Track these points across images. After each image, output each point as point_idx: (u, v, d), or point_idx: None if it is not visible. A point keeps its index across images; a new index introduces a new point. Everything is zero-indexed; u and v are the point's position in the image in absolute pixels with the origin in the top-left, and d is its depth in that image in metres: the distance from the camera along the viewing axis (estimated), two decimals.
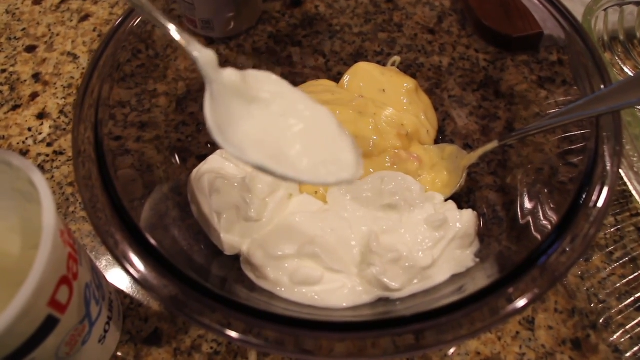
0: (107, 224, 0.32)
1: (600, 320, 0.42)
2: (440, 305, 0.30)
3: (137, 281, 0.30)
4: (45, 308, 0.29)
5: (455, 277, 0.37)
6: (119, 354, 0.41)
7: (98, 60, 0.42)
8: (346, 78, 0.50)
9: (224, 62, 0.54)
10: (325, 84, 0.51)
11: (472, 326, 0.29)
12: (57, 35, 0.62)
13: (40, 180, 0.30)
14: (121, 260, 0.30)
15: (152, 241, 0.32)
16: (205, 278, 0.35)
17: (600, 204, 0.33)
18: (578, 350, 0.41)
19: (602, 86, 0.37)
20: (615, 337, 0.41)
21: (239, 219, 0.38)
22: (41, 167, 0.52)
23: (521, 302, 0.30)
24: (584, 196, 0.33)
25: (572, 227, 0.32)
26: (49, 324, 0.30)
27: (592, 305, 0.42)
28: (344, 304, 0.36)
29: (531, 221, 0.40)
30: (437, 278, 0.37)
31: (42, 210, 0.29)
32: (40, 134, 0.54)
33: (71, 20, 0.64)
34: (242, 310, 0.29)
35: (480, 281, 0.35)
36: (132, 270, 0.30)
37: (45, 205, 0.29)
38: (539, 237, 0.38)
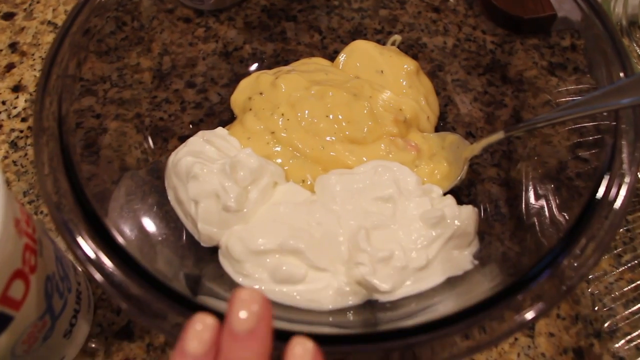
0: (66, 214, 0.29)
1: (605, 326, 0.39)
2: (436, 317, 0.27)
3: (97, 281, 0.27)
4: None
5: (451, 280, 0.34)
6: (93, 345, 0.39)
7: (70, 26, 0.39)
8: (342, 57, 0.46)
9: (212, 36, 0.50)
10: (319, 62, 0.47)
11: (470, 341, 0.26)
12: (38, 2, 0.59)
13: None
14: (78, 256, 0.27)
15: (119, 238, 0.29)
16: (177, 275, 0.33)
17: (617, 205, 0.30)
18: None
19: (622, 74, 0.34)
20: (619, 345, 0.38)
21: (217, 208, 0.35)
22: (14, 144, 0.49)
23: (528, 315, 0.27)
24: (599, 195, 0.30)
25: (587, 229, 0.29)
26: (0, 323, 0.27)
27: (597, 311, 0.39)
28: (329, 306, 0.33)
29: (537, 220, 0.38)
30: (431, 280, 0.34)
31: None
32: (15, 107, 0.51)
33: None
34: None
35: (479, 286, 0.33)
36: (91, 270, 0.27)
37: None
38: (546, 239, 0.35)
